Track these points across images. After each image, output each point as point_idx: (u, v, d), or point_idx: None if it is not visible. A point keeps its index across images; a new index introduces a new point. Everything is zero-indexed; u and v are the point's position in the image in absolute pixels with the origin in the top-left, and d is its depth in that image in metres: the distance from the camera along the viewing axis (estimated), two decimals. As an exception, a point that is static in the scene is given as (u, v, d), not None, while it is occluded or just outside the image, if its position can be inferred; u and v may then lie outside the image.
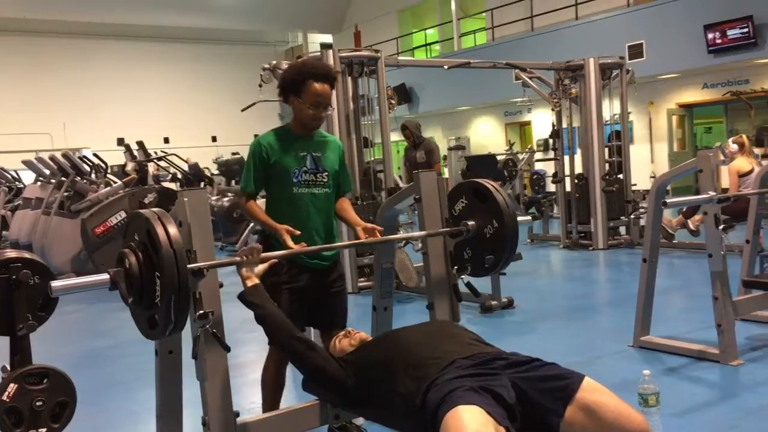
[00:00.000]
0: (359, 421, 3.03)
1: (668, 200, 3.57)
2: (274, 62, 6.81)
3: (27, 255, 3.18)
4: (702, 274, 4.29)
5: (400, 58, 15.82)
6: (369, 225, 2.90)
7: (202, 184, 12.53)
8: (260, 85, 6.62)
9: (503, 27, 17.64)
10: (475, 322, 5.19)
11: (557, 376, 2.12)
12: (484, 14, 18.93)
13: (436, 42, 21.39)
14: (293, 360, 2.55)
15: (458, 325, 2.66)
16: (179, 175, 13.44)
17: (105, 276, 2.28)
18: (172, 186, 13.40)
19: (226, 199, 10.64)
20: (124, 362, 4.87)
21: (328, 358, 2.48)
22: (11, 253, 3.13)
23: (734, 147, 7.39)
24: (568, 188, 8.76)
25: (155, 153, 12.41)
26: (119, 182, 9.02)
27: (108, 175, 10.11)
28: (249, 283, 2.50)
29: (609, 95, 8.70)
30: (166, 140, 19.08)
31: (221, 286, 2.54)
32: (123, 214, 8.22)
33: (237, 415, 2.52)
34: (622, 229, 8.74)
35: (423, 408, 2.11)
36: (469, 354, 2.25)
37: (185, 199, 2.48)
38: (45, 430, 2.95)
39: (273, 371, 2.96)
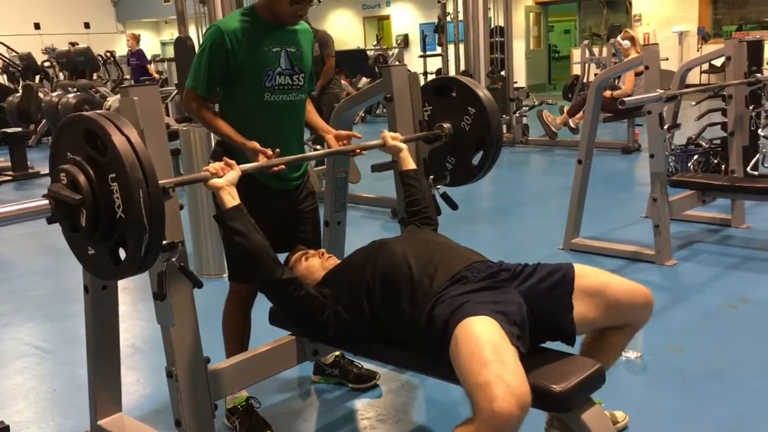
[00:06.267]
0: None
1: (626, 99, 3.39)
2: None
3: None
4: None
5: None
6: (343, 132, 2.46)
7: (37, 78, 11.08)
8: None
9: None
10: (389, 228, 4.92)
11: (552, 272, 1.95)
12: None
13: None
14: (278, 303, 2.12)
15: (443, 235, 2.32)
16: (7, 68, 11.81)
17: (44, 202, 1.71)
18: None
19: (71, 95, 9.41)
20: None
21: (317, 296, 2.08)
22: None
23: (626, 43, 6.92)
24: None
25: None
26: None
27: None
28: (229, 202, 1.97)
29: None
30: (-25, 26, 16.68)
31: (181, 208, 2.05)
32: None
33: (207, 361, 2.10)
34: (503, 128, 8.73)
35: (428, 327, 1.85)
36: (468, 264, 1.98)
37: (135, 98, 1.91)
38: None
39: (239, 312, 2.46)
